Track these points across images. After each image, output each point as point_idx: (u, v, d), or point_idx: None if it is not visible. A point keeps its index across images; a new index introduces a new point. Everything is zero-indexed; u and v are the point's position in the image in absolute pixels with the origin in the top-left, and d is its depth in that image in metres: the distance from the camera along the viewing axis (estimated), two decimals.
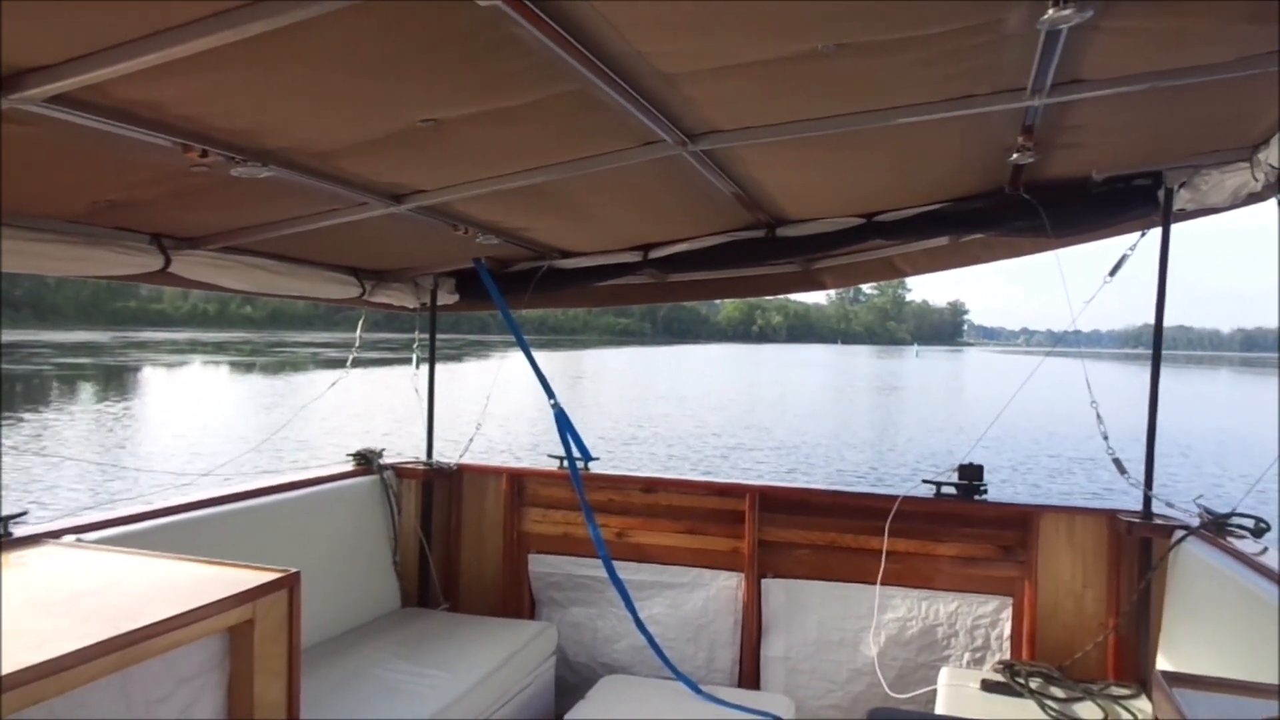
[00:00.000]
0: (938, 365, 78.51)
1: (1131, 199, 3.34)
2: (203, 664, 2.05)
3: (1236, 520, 3.18)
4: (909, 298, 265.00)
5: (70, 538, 2.67)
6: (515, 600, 4.51)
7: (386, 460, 4.49)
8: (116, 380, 34.26)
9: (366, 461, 4.40)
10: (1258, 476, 3.14)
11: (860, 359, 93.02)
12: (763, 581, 4.13)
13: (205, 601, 1.99)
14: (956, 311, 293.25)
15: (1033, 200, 3.34)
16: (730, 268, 4.16)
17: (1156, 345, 3.39)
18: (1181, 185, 3.27)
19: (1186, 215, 3.39)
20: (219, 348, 61.96)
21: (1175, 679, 1.86)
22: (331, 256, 4.00)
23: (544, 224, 3.76)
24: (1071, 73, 2.23)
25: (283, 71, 1.91)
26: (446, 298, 4.67)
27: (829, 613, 4.02)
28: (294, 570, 2.29)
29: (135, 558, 2.38)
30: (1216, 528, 3.18)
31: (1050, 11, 1.72)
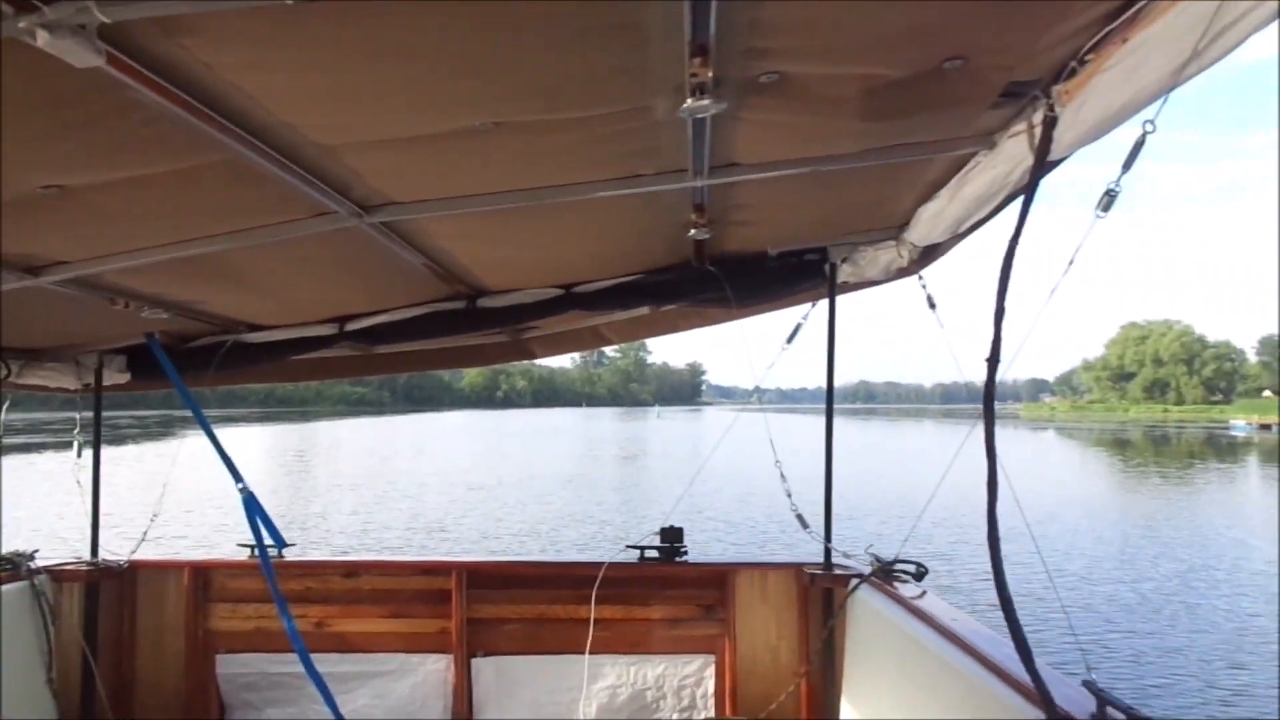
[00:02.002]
0: (678, 427, 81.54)
1: (803, 272, 3.64)
2: None
3: (900, 566, 3.47)
4: (650, 359, 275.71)
5: None
6: (201, 708, 4.08)
7: (41, 562, 3.95)
8: None
9: (12, 566, 3.84)
10: (912, 523, 3.45)
11: (604, 422, 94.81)
12: (472, 661, 4.01)
13: None
14: (695, 372, 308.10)
15: (716, 273, 3.54)
16: (433, 339, 4.06)
17: (829, 404, 3.67)
18: (843, 260, 3.60)
19: (850, 287, 3.73)
20: None
21: None
22: None
23: (220, 297, 3.50)
24: (727, 156, 2.37)
25: None
26: (116, 377, 4.21)
27: (540, 688, 3.96)
28: None
29: None
30: (884, 574, 3.45)
31: (689, 102, 1.82)
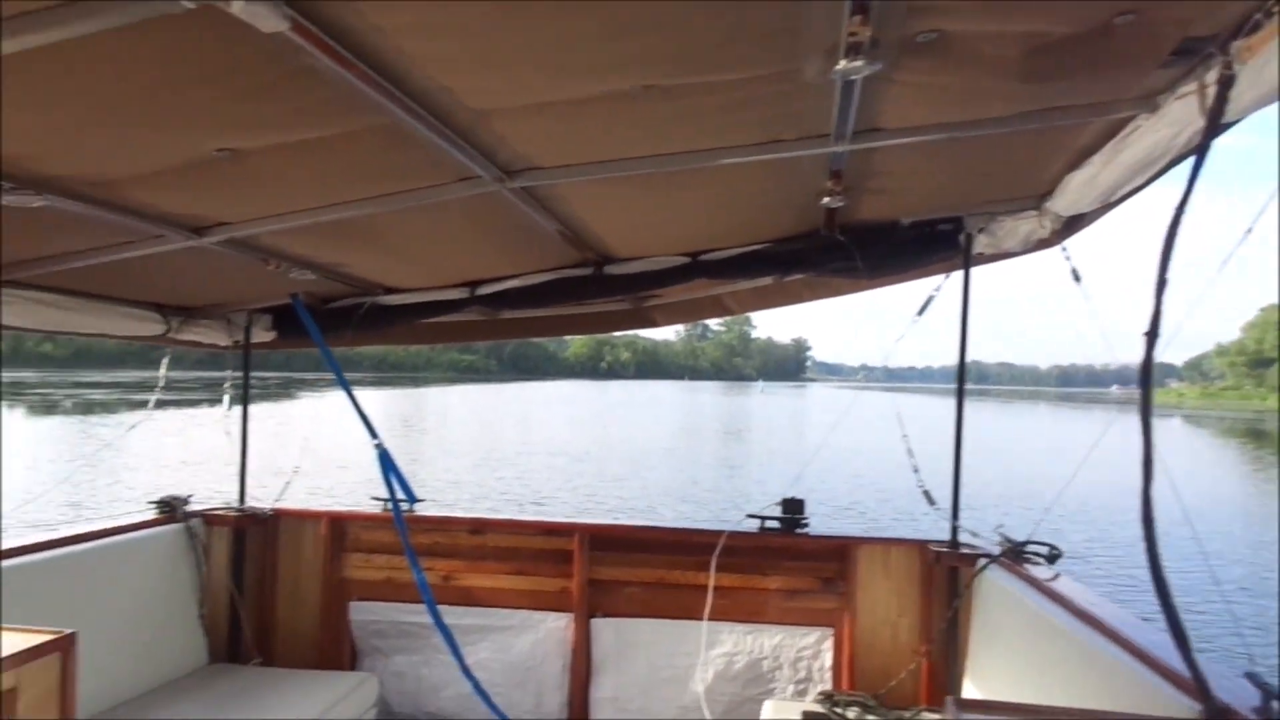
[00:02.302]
0: (783, 402, 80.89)
1: (936, 243, 3.55)
2: None
3: (1032, 548, 3.38)
4: (755, 334, 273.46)
5: None
6: (334, 651, 4.29)
7: (194, 507, 4.21)
8: None
9: (170, 509, 4.10)
10: (1046, 506, 3.35)
11: (707, 395, 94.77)
12: (592, 621, 4.10)
13: None
14: (800, 348, 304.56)
15: (847, 242, 3.49)
16: (559, 305, 4.13)
17: (960, 382, 3.58)
18: (980, 231, 3.50)
19: (985, 259, 3.62)
20: (12, 388, 56.80)
21: (965, 704, 1.94)
22: (131, 291, 3.75)
23: (363, 259, 3.64)
24: (871, 121, 2.33)
25: (51, 94, 1.77)
26: (262, 335, 4.44)
27: (658, 650, 4.02)
28: (68, 632, 2.10)
29: None
30: (1014, 555, 3.37)
31: (842, 63, 1.80)
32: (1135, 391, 1.88)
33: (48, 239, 2.81)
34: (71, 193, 2.37)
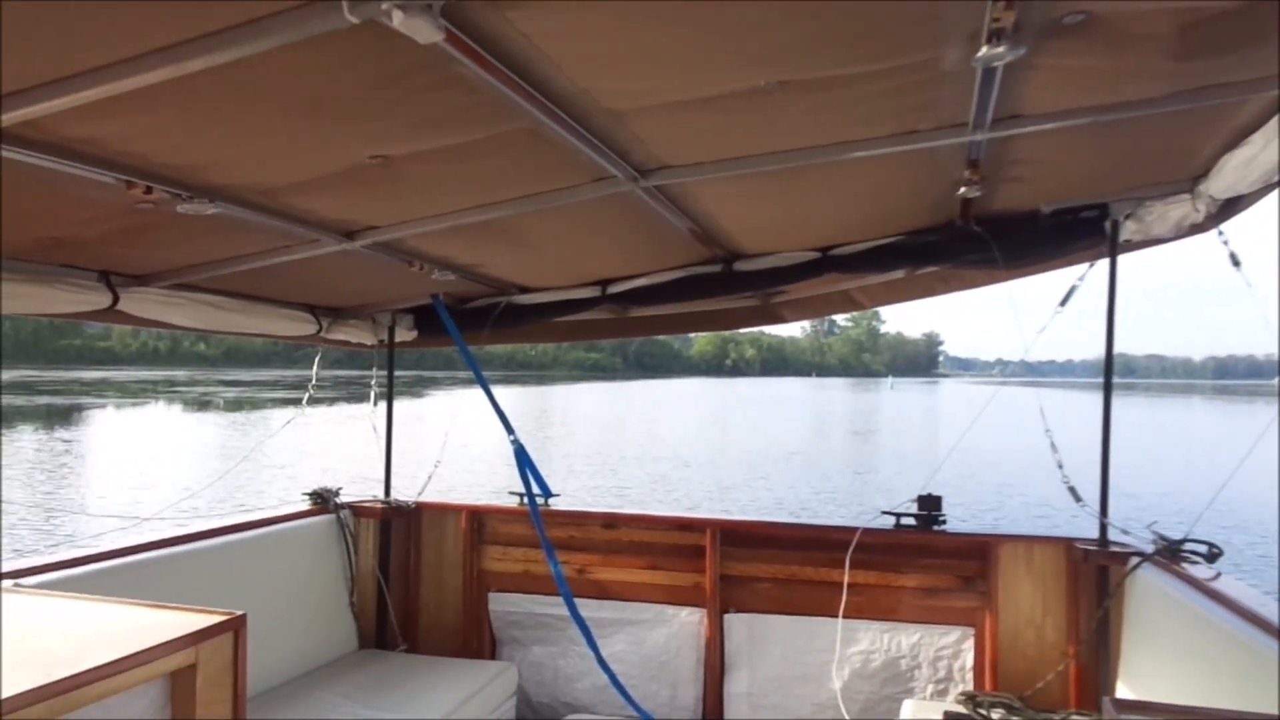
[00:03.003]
0: (914, 399, 78.82)
1: (1079, 230, 3.40)
2: (143, 710, 2.00)
3: (1190, 546, 3.21)
4: (883, 329, 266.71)
5: (8, 583, 2.60)
6: (475, 640, 4.45)
7: (344, 499, 4.44)
8: (60, 419, 33.13)
9: (323, 500, 4.34)
10: (1207, 501, 3.18)
11: (835, 392, 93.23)
12: (725, 616, 4.11)
13: (145, 646, 1.95)
14: (931, 343, 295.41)
15: (983, 233, 3.39)
16: (689, 302, 4.16)
17: (1107, 375, 3.43)
18: (1127, 217, 3.34)
19: (1133, 246, 3.46)
20: (170, 385, 60.73)
21: (1123, 705, 1.87)
22: (286, 293, 3.98)
23: (500, 260, 3.76)
24: (1011, 108, 2.27)
25: (226, 108, 1.91)
26: (405, 334, 4.65)
27: (792, 647, 4.00)
28: (239, 613, 2.25)
29: (74, 602, 2.33)
30: (1171, 554, 3.21)
31: (984, 49, 1.76)
32: None
33: (217, 245, 3.02)
34: (240, 200, 2.54)
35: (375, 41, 1.61)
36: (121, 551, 3.17)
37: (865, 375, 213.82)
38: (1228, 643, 2.49)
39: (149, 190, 2.29)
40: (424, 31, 1.50)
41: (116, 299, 3.15)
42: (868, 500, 18.23)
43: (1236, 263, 3.17)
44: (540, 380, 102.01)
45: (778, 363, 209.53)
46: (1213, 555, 3.15)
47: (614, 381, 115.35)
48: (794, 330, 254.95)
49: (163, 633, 2.04)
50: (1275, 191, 2.79)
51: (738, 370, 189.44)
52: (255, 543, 3.78)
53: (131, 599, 2.34)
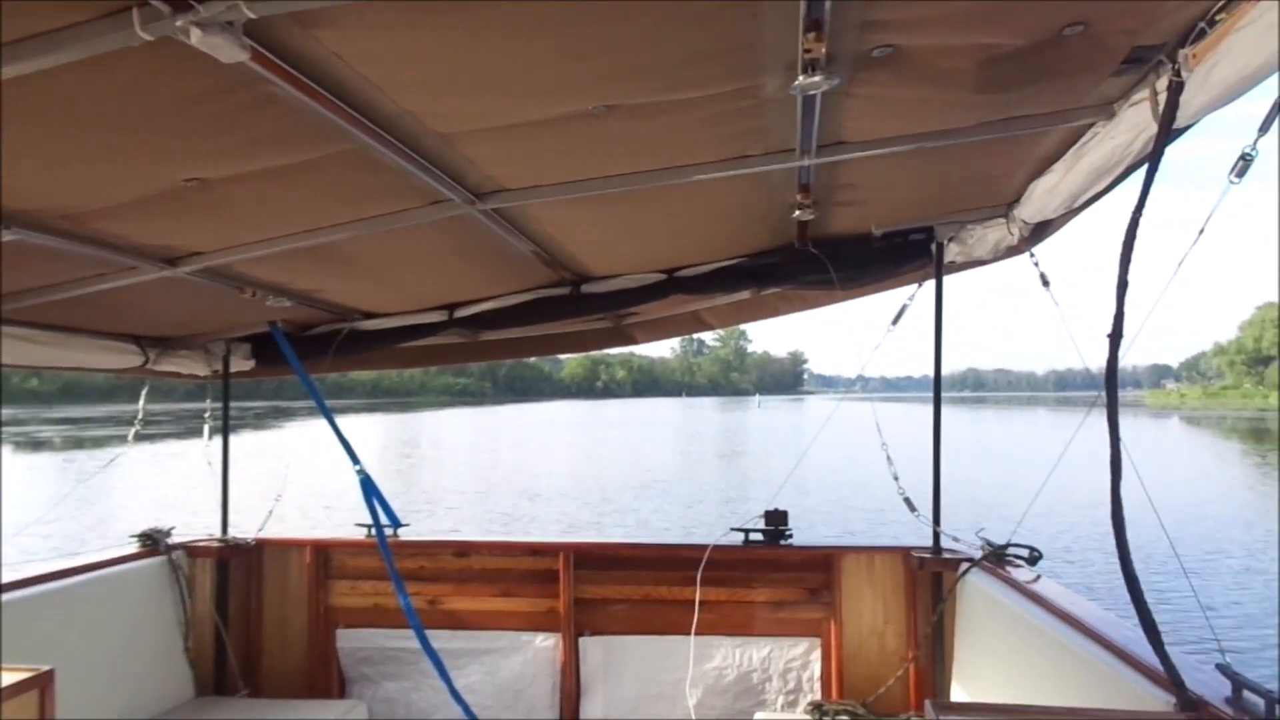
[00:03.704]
0: (780, 416, 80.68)
1: (908, 252, 3.58)
2: None
3: (1013, 551, 3.39)
4: (751, 349, 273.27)
5: None
6: (323, 679, 4.27)
7: (177, 539, 4.19)
8: None
9: (152, 541, 4.08)
10: (1024, 509, 3.37)
11: (705, 412, 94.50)
12: (580, 640, 4.08)
13: None
14: (797, 361, 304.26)
15: (819, 255, 3.52)
16: (538, 325, 4.15)
17: (936, 389, 3.60)
18: (950, 239, 3.54)
19: (957, 267, 3.66)
20: None
21: (944, 707, 1.94)
22: (108, 324, 3.75)
23: (339, 285, 3.65)
24: (834, 135, 2.37)
25: (17, 128, 1.78)
26: (241, 364, 4.45)
27: (646, 667, 4.01)
28: (45, 669, 2.10)
29: None
30: (996, 559, 3.38)
31: (801, 79, 1.83)
32: (1130, 393, 1.91)
33: (20, 274, 2.82)
34: (41, 226, 2.38)
35: (178, 60, 1.54)
36: None
37: (734, 394, 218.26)
38: (1043, 641, 2.63)
39: None
40: (226, 50, 1.44)
41: None
42: (732, 517, 18.43)
43: (1046, 283, 3.40)
44: (407, 407, 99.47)
45: (648, 383, 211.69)
46: (1033, 558, 3.34)
47: (483, 406, 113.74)
48: (664, 350, 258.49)
49: None
50: (1079, 215, 3.01)
51: (609, 392, 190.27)
52: (76, 590, 3.52)
53: None
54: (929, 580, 3.72)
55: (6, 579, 3.31)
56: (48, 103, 1.68)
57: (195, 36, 1.39)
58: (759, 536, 3.99)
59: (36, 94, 1.62)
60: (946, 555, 3.63)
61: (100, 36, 1.43)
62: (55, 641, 3.36)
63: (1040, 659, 2.67)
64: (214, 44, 1.42)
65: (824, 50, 1.74)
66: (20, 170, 2.03)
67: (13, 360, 3.34)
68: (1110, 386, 1.95)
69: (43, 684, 2.08)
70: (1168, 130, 1.91)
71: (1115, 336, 1.90)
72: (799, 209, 2.99)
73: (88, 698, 3.36)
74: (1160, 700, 1.96)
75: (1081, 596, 2.79)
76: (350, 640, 4.27)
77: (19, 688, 2.01)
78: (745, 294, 4.00)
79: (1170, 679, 1.89)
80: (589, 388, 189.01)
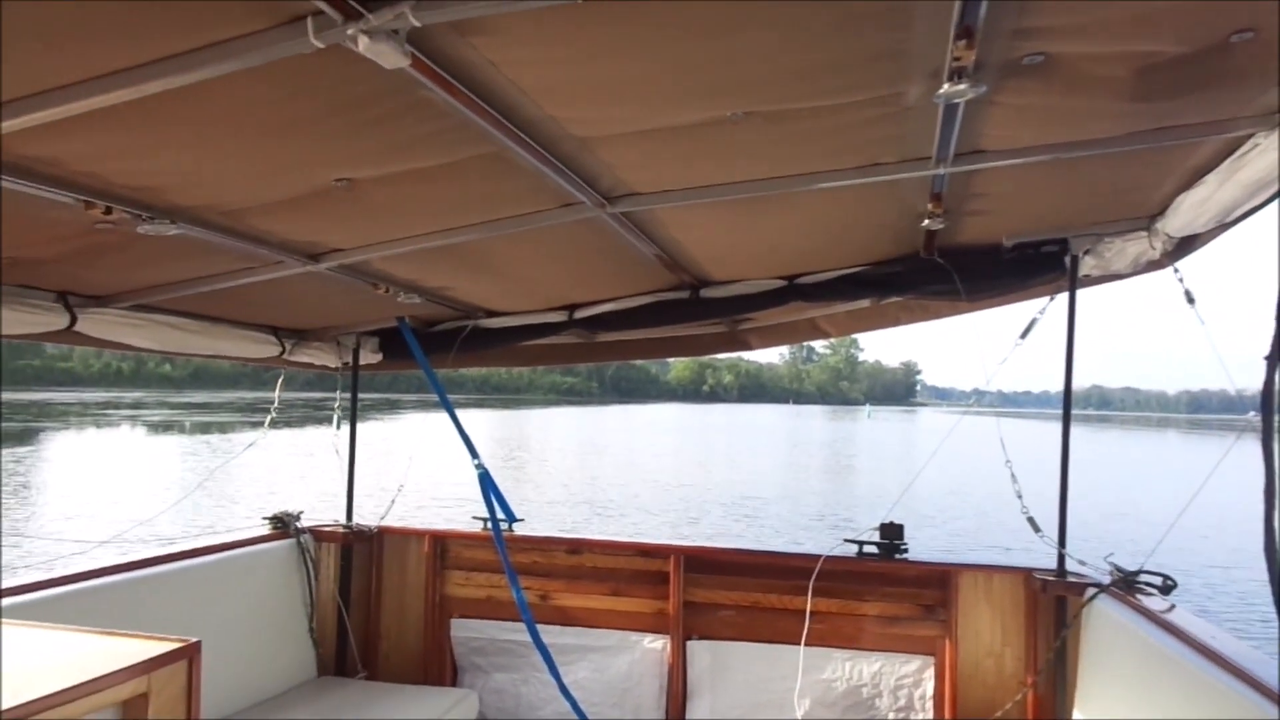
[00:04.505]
0: (891, 427, 78.91)
1: (1040, 265, 3.46)
2: None
3: (1145, 578, 3.24)
4: (862, 357, 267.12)
5: None
6: (436, 667, 4.40)
7: (305, 523, 4.39)
8: (14, 442, 32.35)
9: (283, 525, 4.29)
10: (1161, 535, 3.22)
11: (813, 420, 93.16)
12: (688, 644, 4.09)
13: (95, 675, 1.91)
14: (910, 371, 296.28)
15: (946, 265, 3.44)
16: (655, 328, 4.18)
17: (1066, 408, 3.46)
18: (1086, 252, 3.40)
19: (1092, 281, 3.52)
20: (134, 407, 59.69)
21: None
22: (249, 315, 3.95)
23: (467, 283, 3.76)
24: (973, 143, 2.32)
25: (188, 130, 1.91)
26: (369, 357, 4.63)
27: (754, 674, 3.99)
28: (194, 640, 2.21)
29: (23, 630, 2.28)
30: (1126, 585, 3.24)
31: (946, 87, 1.80)
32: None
33: (178, 266, 3.01)
34: (202, 221, 2.53)
35: (340, 66, 1.61)
36: (74, 577, 3.12)
37: (843, 403, 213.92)
38: (1180, 675, 2.51)
39: (109, 211, 2.28)
40: (389, 57, 1.51)
41: (74, 320, 3.12)
42: (843, 527, 18.08)
43: (1191, 300, 3.23)
44: (515, 404, 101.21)
45: (755, 389, 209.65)
46: (1167, 587, 3.18)
47: (590, 405, 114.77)
48: (772, 356, 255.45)
49: (115, 660, 2.00)
50: (1229, 230, 2.86)
51: (715, 396, 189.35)
52: (213, 568, 3.73)
53: (84, 626, 2.30)
54: (1051, 603, 3.58)
55: (152, 553, 3.53)
56: (219, 107, 1.79)
57: (363, 44, 1.46)
58: (873, 549, 3.92)
59: (207, 98, 1.73)
60: (1072, 579, 3.50)
61: (275, 45, 1.51)
62: (195, 615, 3.56)
63: (1177, 694, 2.54)
64: (379, 51, 1.48)
65: (974, 58, 1.71)
66: (188, 169, 2.17)
67: (161, 346, 3.57)
68: (1266, 410, 1.85)
69: (190, 654, 2.19)
70: None
71: (1274, 359, 1.81)
72: (929, 218, 2.93)
73: (222, 670, 3.54)
74: None
75: (1222, 629, 2.65)
76: (464, 630, 4.39)
77: (170, 657, 2.12)
78: (865, 303, 3.94)
79: None
80: (695, 391, 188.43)
